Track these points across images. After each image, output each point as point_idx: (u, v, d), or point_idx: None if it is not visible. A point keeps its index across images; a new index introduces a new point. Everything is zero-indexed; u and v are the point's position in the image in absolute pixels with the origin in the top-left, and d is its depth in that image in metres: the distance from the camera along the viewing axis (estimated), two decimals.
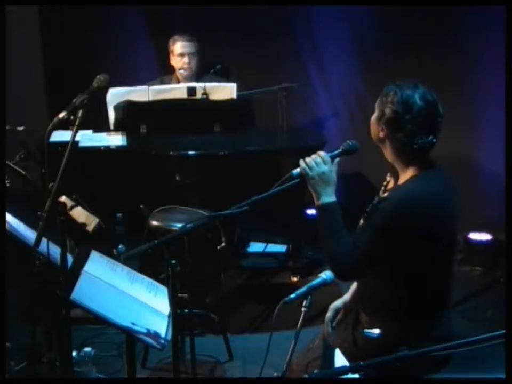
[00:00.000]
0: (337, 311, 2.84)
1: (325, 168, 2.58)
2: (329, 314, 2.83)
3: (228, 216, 2.59)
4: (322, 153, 2.62)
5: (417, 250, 2.52)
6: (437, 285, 2.64)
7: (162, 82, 5.12)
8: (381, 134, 2.59)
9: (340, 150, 2.64)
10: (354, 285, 2.87)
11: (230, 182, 4.45)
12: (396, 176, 2.65)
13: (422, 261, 2.55)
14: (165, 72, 5.28)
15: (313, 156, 2.60)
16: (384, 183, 2.77)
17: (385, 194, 2.65)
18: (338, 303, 2.86)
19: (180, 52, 5.04)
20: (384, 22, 5.20)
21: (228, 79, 5.09)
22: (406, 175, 2.60)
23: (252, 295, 4.80)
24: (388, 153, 2.62)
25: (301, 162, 2.60)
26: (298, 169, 2.59)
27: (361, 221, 2.68)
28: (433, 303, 2.64)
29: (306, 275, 4.83)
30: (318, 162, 2.58)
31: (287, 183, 2.59)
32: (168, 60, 5.14)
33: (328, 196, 2.58)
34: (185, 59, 5.03)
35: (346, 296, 2.87)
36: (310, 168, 2.58)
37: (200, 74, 5.12)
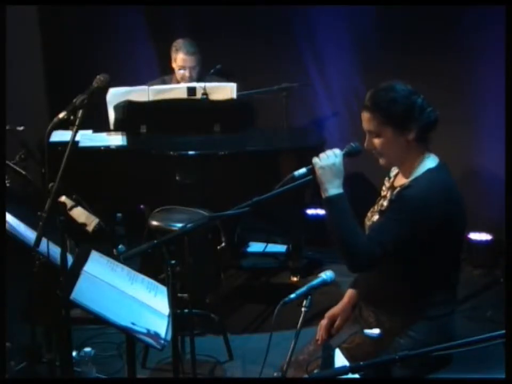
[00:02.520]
0: (334, 319, 2.84)
1: (335, 160, 2.58)
2: (325, 321, 2.82)
3: (228, 217, 2.59)
4: (335, 149, 2.62)
5: (435, 240, 2.54)
6: (447, 278, 2.65)
7: (163, 82, 5.12)
8: (411, 136, 2.55)
9: (342, 152, 2.64)
10: (349, 291, 2.88)
11: (230, 182, 4.44)
12: (407, 170, 2.64)
13: (437, 252, 2.56)
14: (165, 72, 5.28)
15: (326, 151, 2.61)
16: (391, 174, 2.78)
17: (399, 186, 2.64)
18: (334, 310, 2.86)
19: (181, 64, 5.01)
20: (384, 22, 5.20)
21: (228, 79, 5.10)
22: (423, 166, 2.59)
23: (252, 295, 4.80)
24: (413, 151, 2.59)
25: (314, 158, 2.60)
26: (300, 171, 2.59)
27: (375, 216, 2.68)
28: (442, 296, 2.64)
29: (306, 275, 4.83)
30: (329, 155, 2.59)
31: (289, 184, 2.59)
32: (169, 60, 5.14)
33: (337, 188, 2.57)
34: (186, 72, 5.02)
35: (343, 302, 2.87)
36: (320, 159, 2.59)
37: (200, 74, 5.12)
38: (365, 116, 2.59)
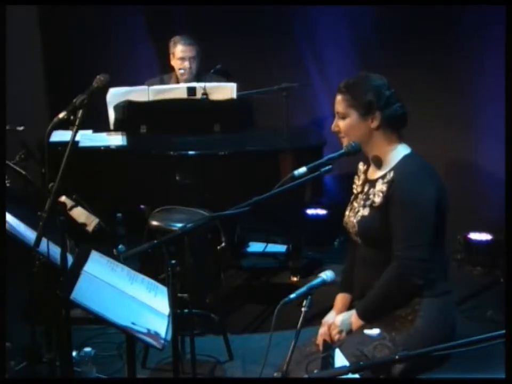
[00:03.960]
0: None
1: (344, 327, 2.72)
2: (325, 329, 2.81)
3: (228, 217, 2.59)
4: (333, 325, 2.75)
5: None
6: (438, 259, 2.70)
7: (162, 81, 5.13)
8: (374, 124, 2.68)
9: (342, 151, 2.68)
10: (340, 295, 2.91)
11: (230, 182, 4.44)
12: (379, 161, 2.73)
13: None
14: (165, 72, 5.28)
15: (323, 330, 2.76)
16: (359, 172, 2.85)
17: (380, 178, 2.70)
18: (330, 316, 2.86)
19: (180, 56, 5.04)
20: (384, 22, 5.20)
21: (228, 79, 5.10)
22: (397, 154, 2.69)
23: (252, 295, 4.80)
24: (379, 139, 2.70)
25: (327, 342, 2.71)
26: (300, 170, 2.60)
27: (364, 210, 2.72)
28: (435, 275, 2.68)
29: (306, 275, 4.82)
30: (336, 330, 2.72)
31: (288, 184, 2.59)
32: (168, 59, 5.14)
33: (354, 315, 2.72)
34: (186, 63, 5.04)
35: (337, 308, 2.88)
36: (337, 339, 2.71)
37: (200, 73, 5.13)
38: (337, 98, 2.75)
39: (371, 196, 2.71)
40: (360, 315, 2.70)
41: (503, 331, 1.90)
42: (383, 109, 2.68)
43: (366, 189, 2.76)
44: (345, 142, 2.73)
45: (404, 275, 2.62)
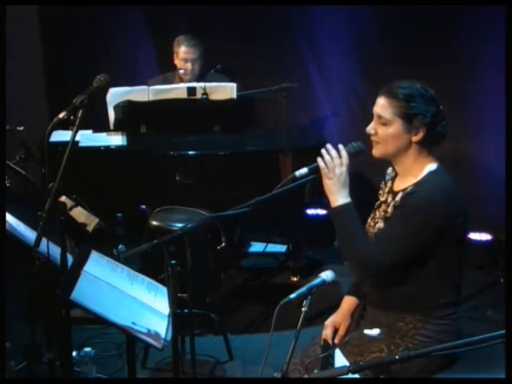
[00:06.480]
0: (336, 327, 2.82)
1: (343, 169, 2.58)
2: (330, 331, 2.80)
3: (229, 217, 2.59)
4: (343, 153, 2.60)
5: (442, 243, 2.57)
6: (453, 278, 2.71)
7: (166, 79, 5.14)
8: (416, 138, 2.56)
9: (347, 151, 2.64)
10: (346, 298, 2.87)
11: (230, 182, 4.44)
12: (407, 173, 2.64)
13: (443, 254, 2.60)
14: (165, 71, 5.28)
15: (334, 154, 2.59)
16: (387, 178, 2.78)
17: (401, 191, 2.64)
18: (335, 318, 2.84)
19: (184, 57, 5.05)
20: (384, 22, 5.20)
21: (232, 77, 5.10)
22: (424, 169, 2.60)
23: (252, 295, 4.81)
24: (414, 153, 2.60)
25: (319, 160, 2.59)
26: (301, 171, 2.59)
27: (380, 223, 2.67)
28: (449, 297, 2.68)
29: (306, 275, 4.83)
30: (338, 164, 2.58)
31: (289, 185, 2.59)
32: (171, 58, 5.15)
33: (346, 197, 2.58)
34: (188, 65, 5.05)
35: (343, 310, 2.85)
36: (330, 169, 2.57)
37: (201, 72, 5.13)
38: (382, 101, 2.58)
39: (389, 209, 2.65)
40: (340, 204, 2.56)
41: (503, 331, 1.90)
42: (429, 125, 2.55)
43: (389, 199, 2.68)
44: (377, 148, 2.62)
45: (370, 264, 2.56)
